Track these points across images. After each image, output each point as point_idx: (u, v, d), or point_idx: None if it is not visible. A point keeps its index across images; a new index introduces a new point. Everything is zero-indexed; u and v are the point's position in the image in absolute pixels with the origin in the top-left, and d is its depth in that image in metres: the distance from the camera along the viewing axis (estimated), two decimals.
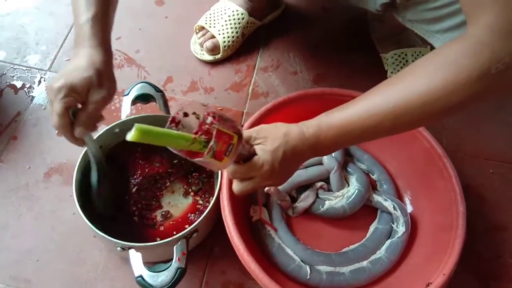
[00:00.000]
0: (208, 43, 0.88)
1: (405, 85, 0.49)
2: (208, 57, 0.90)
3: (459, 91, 0.45)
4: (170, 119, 0.48)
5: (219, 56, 0.89)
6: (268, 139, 0.53)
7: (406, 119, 0.48)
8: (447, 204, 0.67)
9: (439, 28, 0.66)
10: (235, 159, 0.50)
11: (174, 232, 0.70)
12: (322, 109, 0.74)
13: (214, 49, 0.89)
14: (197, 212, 0.72)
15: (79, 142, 0.59)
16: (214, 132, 0.46)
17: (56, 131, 0.56)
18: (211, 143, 0.46)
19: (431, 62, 0.48)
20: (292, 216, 0.73)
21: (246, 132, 0.53)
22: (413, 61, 0.88)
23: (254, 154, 0.53)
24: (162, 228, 0.70)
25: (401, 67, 0.88)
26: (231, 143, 0.48)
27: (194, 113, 0.48)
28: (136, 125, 0.40)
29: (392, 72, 0.88)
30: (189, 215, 0.72)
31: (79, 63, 0.54)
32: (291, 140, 0.53)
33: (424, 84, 0.47)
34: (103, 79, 0.55)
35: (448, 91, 0.45)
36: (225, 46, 0.89)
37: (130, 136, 0.41)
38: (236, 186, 0.55)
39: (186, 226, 0.70)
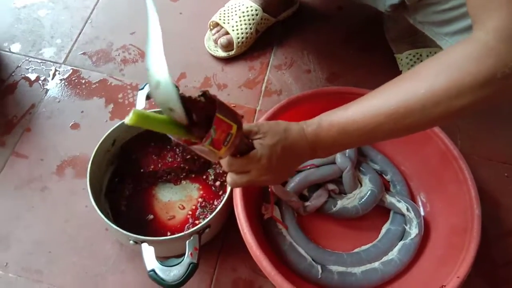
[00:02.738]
0: (222, 39, 0.88)
1: (406, 87, 0.48)
2: (222, 54, 0.90)
3: (462, 96, 0.44)
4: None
5: (233, 52, 0.89)
6: (268, 134, 0.52)
7: (406, 122, 0.47)
8: (462, 207, 0.67)
9: (448, 30, 0.65)
10: (233, 151, 0.49)
11: (186, 227, 0.70)
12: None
13: (228, 46, 0.88)
14: (208, 207, 0.72)
15: None
16: (214, 119, 0.44)
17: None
18: (210, 130, 0.44)
19: (434, 64, 0.47)
20: (303, 215, 0.73)
21: (246, 126, 0.52)
22: None
23: (253, 148, 0.52)
24: (173, 222, 0.70)
25: None
26: (230, 133, 0.47)
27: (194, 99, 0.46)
28: (134, 109, 0.41)
29: None
30: (199, 210, 0.72)
31: None
32: (290, 136, 0.53)
33: (424, 87, 0.46)
34: None
35: (450, 95, 0.44)
36: (239, 42, 0.88)
37: (128, 119, 0.40)
38: (231, 178, 0.54)
39: (197, 221, 0.71)
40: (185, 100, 0.43)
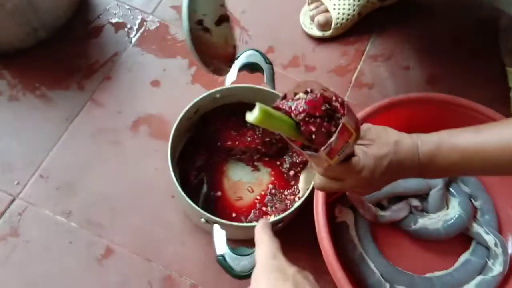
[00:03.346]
0: (320, 17, 0.81)
1: None
2: (317, 33, 0.83)
3: None
4: (282, 95, 0.43)
5: (328, 33, 0.82)
6: (375, 143, 0.47)
7: None
8: None
9: None
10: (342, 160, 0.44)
11: (253, 211, 0.67)
12: (437, 116, 0.68)
13: (325, 25, 0.81)
14: (278, 195, 0.68)
15: None
16: (339, 127, 0.40)
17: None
18: (332, 138, 0.41)
19: None
20: (376, 223, 0.68)
21: None
22: None
23: (353, 155, 0.47)
24: (240, 203, 0.67)
25: None
26: (348, 142, 0.43)
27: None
28: (260, 105, 0.36)
29: None
30: (268, 196, 0.68)
31: None
32: (401, 152, 0.47)
33: None
34: None
35: None
36: (337, 23, 0.81)
37: (253, 117, 0.37)
38: (321, 182, 0.49)
39: (264, 208, 0.67)
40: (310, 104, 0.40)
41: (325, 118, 0.41)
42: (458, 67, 0.82)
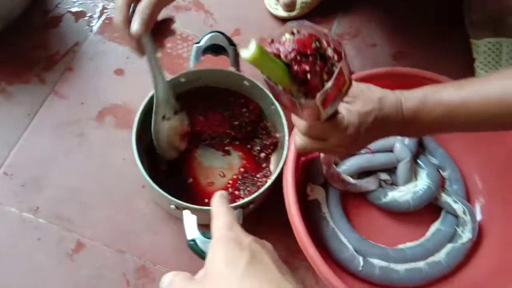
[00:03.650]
0: None
1: None
2: (282, 13, 0.82)
3: None
4: (270, 40, 0.39)
5: (294, 13, 0.81)
6: (358, 100, 0.46)
7: None
8: None
9: None
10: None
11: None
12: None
13: (290, 5, 0.80)
14: (250, 179, 0.68)
15: (138, 45, 0.54)
16: (337, 70, 0.37)
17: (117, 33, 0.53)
18: (329, 83, 0.37)
19: None
20: (342, 191, 0.67)
21: None
22: (507, 53, 0.78)
23: (337, 112, 0.45)
24: (212, 188, 0.67)
25: (493, 58, 0.79)
26: (341, 91, 0.40)
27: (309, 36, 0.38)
28: (257, 43, 0.35)
29: (481, 62, 0.79)
30: (240, 180, 0.68)
31: None
32: (386, 108, 0.46)
33: None
34: None
35: None
36: (303, 2, 0.80)
37: (249, 54, 0.35)
38: (303, 142, 0.48)
39: (236, 192, 0.67)
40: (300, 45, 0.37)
41: (317, 56, 0.38)
42: (424, 42, 0.83)
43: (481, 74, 0.80)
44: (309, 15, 0.83)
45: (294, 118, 0.49)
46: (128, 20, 0.52)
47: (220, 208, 0.39)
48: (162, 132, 0.63)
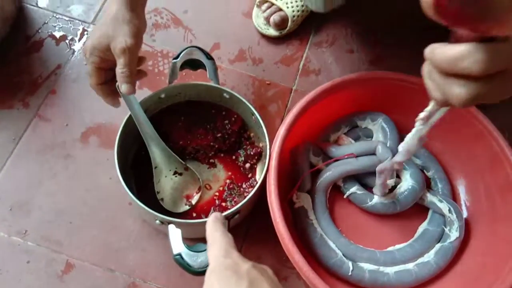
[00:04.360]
0: (276, 17, 0.80)
1: None
2: (274, 32, 0.82)
3: None
4: None
5: (285, 30, 0.82)
6: None
7: None
8: (510, 213, 0.62)
9: None
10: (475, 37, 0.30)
11: (212, 208, 0.67)
12: (383, 95, 0.70)
13: (281, 23, 0.81)
14: (236, 189, 0.69)
15: (115, 101, 0.60)
16: None
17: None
18: None
19: None
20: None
21: None
22: None
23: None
24: (199, 201, 0.67)
25: None
26: None
27: None
28: None
29: None
30: (226, 192, 0.68)
31: (102, 20, 0.55)
32: None
33: None
34: (119, 28, 0.53)
35: None
36: (293, 19, 0.81)
37: None
38: (469, 88, 0.31)
39: (223, 203, 0.67)
40: None
41: None
42: (400, 46, 0.84)
43: None
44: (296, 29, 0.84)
45: (458, 62, 0.32)
46: (103, 82, 0.57)
47: (215, 233, 0.37)
48: (168, 188, 0.66)
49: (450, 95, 0.33)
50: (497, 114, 0.66)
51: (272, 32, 0.83)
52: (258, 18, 0.84)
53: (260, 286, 0.30)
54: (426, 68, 0.35)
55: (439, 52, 0.32)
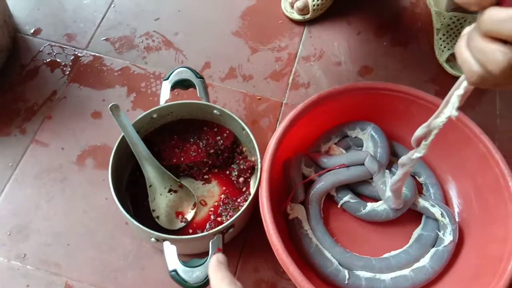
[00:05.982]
0: (299, 3, 0.88)
1: None
2: (298, 16, 0.90)
3: None
4: None
5: (308, 16, 0.89)
6: None
7: None
8: (502, 214, 0.62)
9: None
10: None
11: (208, 224, 0.68)
12: (371, 104, 0.71)
13: (303, 9, 0.88)
14: (231, 204, 0.69)
15: None
16: None
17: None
18: None
19: None
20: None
21: None
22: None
23: None
24: (195, 218, 0.68)
25: (454, 32, 0.83)
26: None
27: None
28: None
29: (444, 35, 0.84)
30: (221, 207, 0.69)
31: None
32: None
33: None
34: None
35: None
36: (314, 5, 0.88)
37: None
38: (509, 53, 0.31)
39: (219, 218, 0.68)
40: None
41: None
42: (387, 56, 0.87)
43: (443, 46, 0.84)
44: (273, 42, 0.87)
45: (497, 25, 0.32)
46: None
47: (221, 284, 0.37)
48: (163, 206, 0.67)
49: (489, 59, 0.32)
50: (475, 117, 0.67)
51: (296, 16, 0.90)
52: (286, 2, 0.92)
53: None
54: (463, 39, 0.35)
55: (488, 14, 0.32)
